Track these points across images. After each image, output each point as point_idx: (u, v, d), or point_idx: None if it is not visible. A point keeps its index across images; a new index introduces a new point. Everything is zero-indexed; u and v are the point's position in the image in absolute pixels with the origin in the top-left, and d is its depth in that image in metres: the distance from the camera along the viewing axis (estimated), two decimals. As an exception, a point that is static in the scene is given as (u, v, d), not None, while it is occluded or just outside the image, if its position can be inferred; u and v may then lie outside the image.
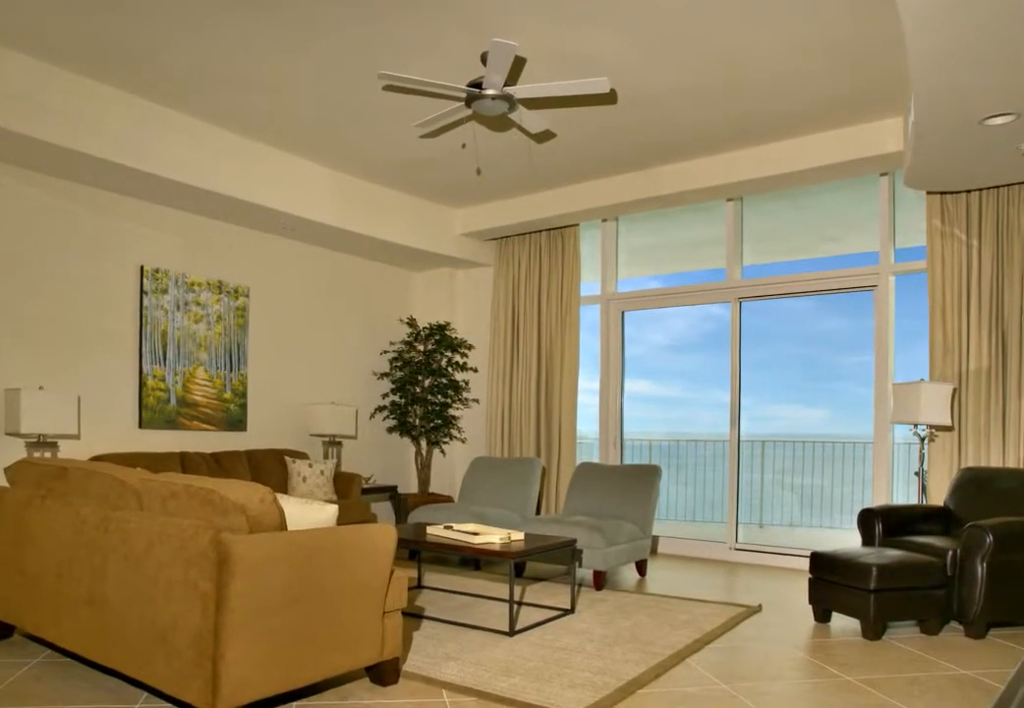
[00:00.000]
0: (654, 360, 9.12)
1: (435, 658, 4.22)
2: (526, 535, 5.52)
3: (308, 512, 3.59)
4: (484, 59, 5.21)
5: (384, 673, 3.76)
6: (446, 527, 5.55)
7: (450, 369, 9.02)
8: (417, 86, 5.13)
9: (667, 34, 4.98)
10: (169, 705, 3.50)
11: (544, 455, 8.49)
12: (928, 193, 6.49)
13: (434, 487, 9.31)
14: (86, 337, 6.43)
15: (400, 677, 3.89)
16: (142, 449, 6.78)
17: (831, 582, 5.03)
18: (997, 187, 6.21)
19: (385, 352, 9.13)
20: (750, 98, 5.89)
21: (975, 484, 5.74)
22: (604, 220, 8.52)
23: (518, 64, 5.41)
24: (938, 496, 6.31)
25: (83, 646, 3.64)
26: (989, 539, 4.79)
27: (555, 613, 5.30)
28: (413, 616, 5.13)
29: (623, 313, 8.57)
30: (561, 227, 8.56)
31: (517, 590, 6.03)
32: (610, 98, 5.93)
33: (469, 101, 5.26)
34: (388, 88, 5.79)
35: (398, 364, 8.89)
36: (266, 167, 6.89)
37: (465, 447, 9.28)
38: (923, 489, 6.23)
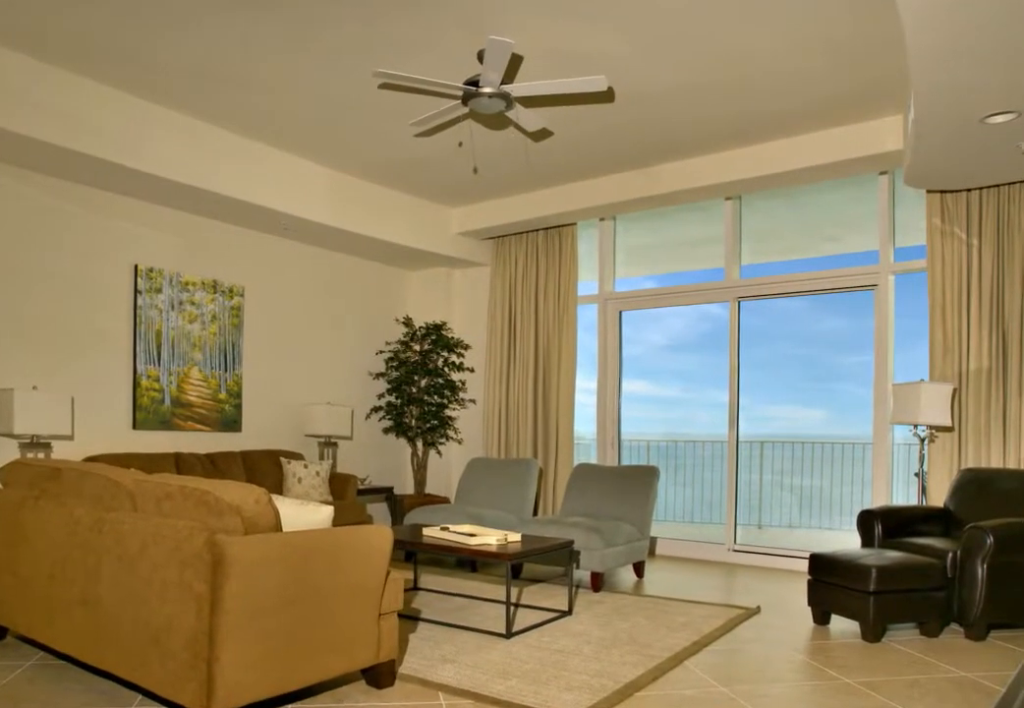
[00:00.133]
0: (652, 360, 9.09)
1: (431, 660, 4.20)
2: (523, 536, 5.50)
3: (303, 513, 3.58)
4: (481, 57, 5.19)
5: (380, 675, 3.74)
6: (442, 528, 5.52)
7: (446, 369, 9.00)
8: (413, 84, 5.12)
9: (665, 32, 4.96)
10: (163, 708, 3.49)
11: (541, 456, 8.46)
12: (928, 192, 6.47)
13: (430, 488, 9.28)
14: (80, 337, 6.41)
15: (396, 679, 3.87)
16: (136, 450, 6.75)
17: (830, 584, 5.01)
18: (997, 186, 6.20)
19: (381, 352, 9.10)
20: (749, 96, 5.87)
21: (975, 485, 5.72)
22: (601, 219, 8.49)
23: (515, 62, 5.39)
24: (938, 497, 6.29)
25: (77, 648, 3.63)
26: (989, 540, 4.77)
27: (552, 615, 5.28)
28: (409, 618, 5.11)
29: (620, 313, 8.55)
30: (558, 226, 8.53)
31: (514, 592, 6.01)
32: (607, 96, 5.91)
33: (466, 99, 5.25)
34: (384, 86, 5.77)
35: (394, 364, 8.87)
36: (262, 166, 6.87)
37: (461, 448, 9.25)
38: (923, 490, 6.21)
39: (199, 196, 6.64)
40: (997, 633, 4.98)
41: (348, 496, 7.55)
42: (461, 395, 9.24)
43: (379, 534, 3.65)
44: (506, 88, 5.13)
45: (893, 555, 4.94)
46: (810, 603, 5.20)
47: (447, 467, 9.25)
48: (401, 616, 5.12)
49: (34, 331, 6.13)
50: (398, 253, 8.65)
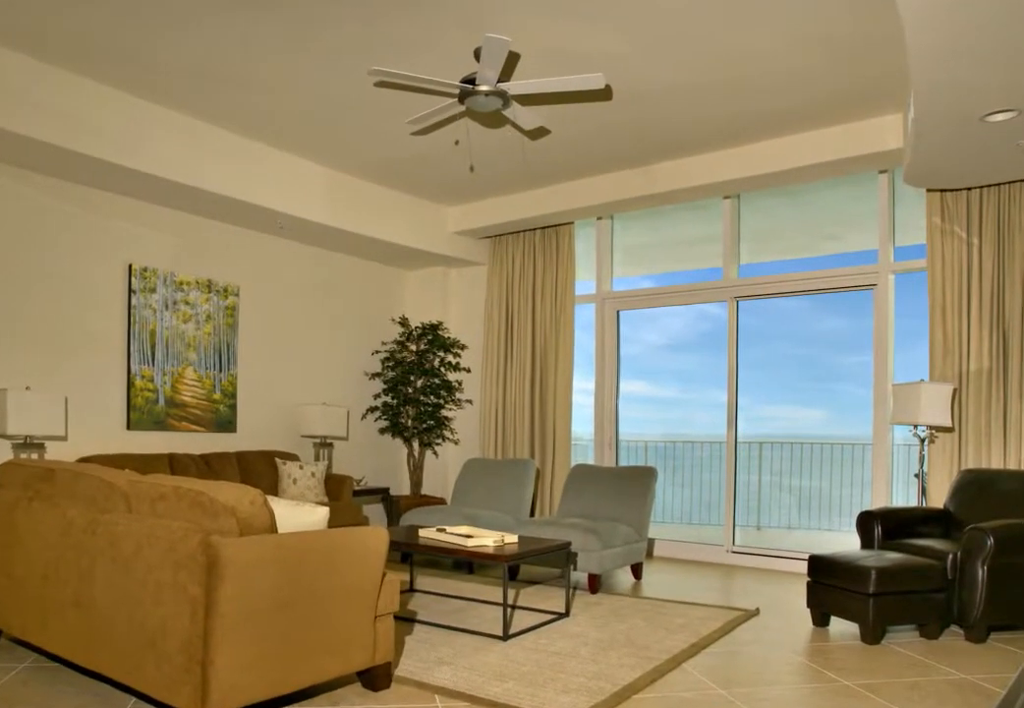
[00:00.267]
0: (650, 360, 9.09)
1: (428, 663, 4.18)
2: (520, 538, 5.48)
3: (299, 514, 3.57)
4: (477, 55, 5.17)
5: (376, 678, 3.73)
6: (439, 530, 5.51)
7: (443, 369, 8.99)
8: (410, 82, 5.10)
9: (663, 30, 4.94)
10: (156, 711, 3.48)
11: (538, 456, 8.44)
12: (928, 191, 6.45)
13: (427, 489, 9.25)
14: (73, 337, 6.38)
15: (392, 682, 3.85)
16: (130, 450, 6.73)
17: (830, 585, 4.99)
18: (998, 184, 6.18)
19: (377, 352, 9.07)
20: (748, 95, 5.85)
21: (976, 486, 5.71)
22: (599, 218, 8.47)
23: (512, 60, 5.37)
24: (938, 498, 6.27)
25: (70, 650, 3.62)
26: (990, 542, 4.76)
27: (549, 617, 5.26)
28: (405, 620, 5.09)
29: (618, 312, 8.52)
30: (555, 225, 8.51)
31: (511, 594, 5.99)
32: (605, 94, 5.89)
33: (462, 97, 5.22)
34: (380, 84, 5.74)
35: (390, 364, 8.85)
36: (258, 165, 6.85)
37: (458, 448, 9.23)
38: (923, 491, 6.20)
39: (194, 195, 6.62)
40: (997, 635, 4.96)
41: (344, 497, 7.53)
42: (458, 395, 9.21)
43: (375, 535, 3.64)
44: (503, 86, 5.11)
45: (893, 557, 4.92)
46: (809, 605, 5.17)
47: (443, 468, 9.23)
48: (397, 618, 5.10)
49: (28, 331, 6.10)
50: (394, 252, 8.63)
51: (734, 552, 7.60)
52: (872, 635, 4.71)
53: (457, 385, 9.07)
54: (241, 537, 3.11)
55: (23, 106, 5.32)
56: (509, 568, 6.10)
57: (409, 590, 6.01)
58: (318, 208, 7.36)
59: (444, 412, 9.15)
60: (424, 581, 6.39)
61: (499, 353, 8.78)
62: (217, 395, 7.36)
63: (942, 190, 6.39)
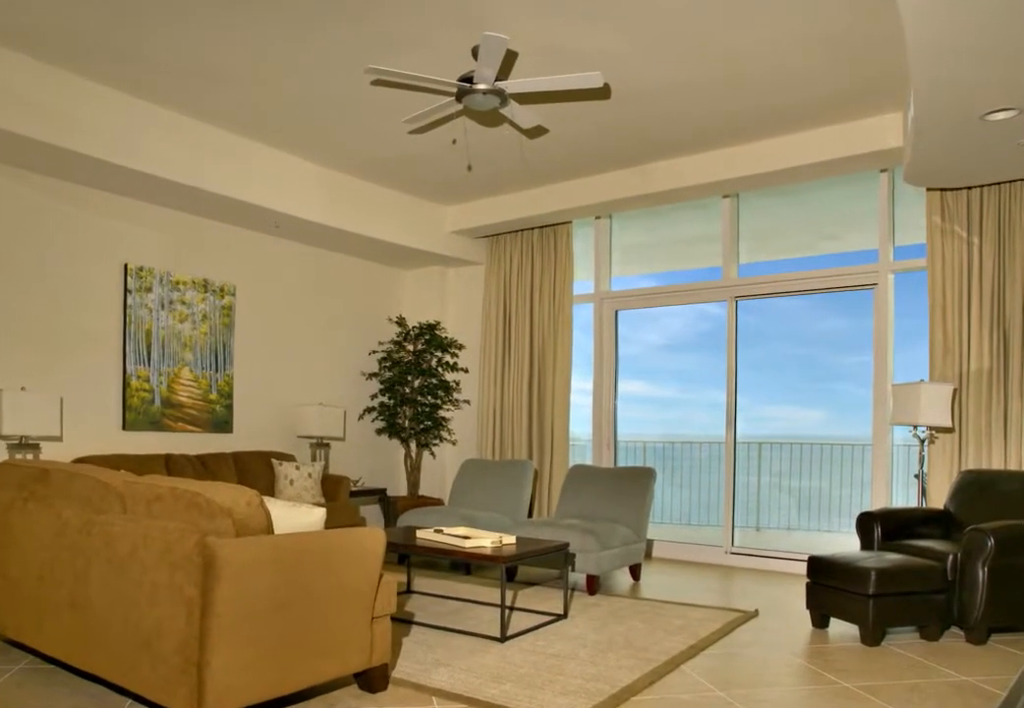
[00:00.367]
0: (648, 360, 9.08)
1: (425, 664, 4.17)
2: (518, 539, 5.46)
3: (295, 515, 3.56)
4: (475, 53, 5.15)
5: (373, 679, 3.72)
6: (436, 531, 5.50)
7: (440, 369, 8.96)
8: (406, 80, 5.11)
9: (661, 28, 4.92)
10: (153, 713, 3.47)
11: (536, 457, 8.42)
12: (928, 190, 6.44)
13: (424, 490, 9.23)
14: (69, 336, 6.36)
15: (389, 684, 3.84)
16: (126, 451, 6.72)
17: (829, 587, 4.98)
18: (998, 183, 6.16)
19: (374, 352, 9.06)
20: (747, 93, 5.84)
21: (976, 487, 5.69)
22: (597, 217, 8.45)
23: (509, 58, 5.36)
24: (938, 499, 6.25)
25: (65, 652, 3.62)
26: (990, 543, 4.74)
27: (547, 618, 5.24)
28: (402, 621, 5.07)
29: (617, 312, 8.50)
30: (554, 224, 8.49)
31: (509, 595, 5.97)
32: (603, 93, 5.87)
33: (460, 96, 5.21)
34: (377, 83, 5.73)
35: (387, 364, 8.83)
36: (254, 164, 6.83)
37: (456, 449, 9.21)
38: (923, 492, 6.18)
39: (190, 194, 6.60)
40: (998, 637, 4.95)
41: (340, 498, 7.51)
42: (455, 395, 9.20)
43: (372, 536, 3.63)
44: (501, 85, 5.09)
45: (893, 558, 4.91)
46: (808, 606, 5.16)
47: (441, 468, 9.21)
48: (394, 619, 5.08)
49: (23, 331, 6.08)
50: (391, 252, 8.61)
51: (733, 553, 7.58)
52: (872, 637, 4.69)
53: (455, 385, 9.05)
54: (237, 538, 3.11)
55: (17, 104, 5.31)
56: (507, 569, 6.07)
57: (406, 591, 5.99)
58: (315, 207, 7.34)
59: (441, 412, 9.13)
60: (421, 582, 6.37)
61: (497, 353, 8.76)
62: (213, 395, 7.33)
63: (942, 189, 6.37)
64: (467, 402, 9.15)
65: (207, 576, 2.99)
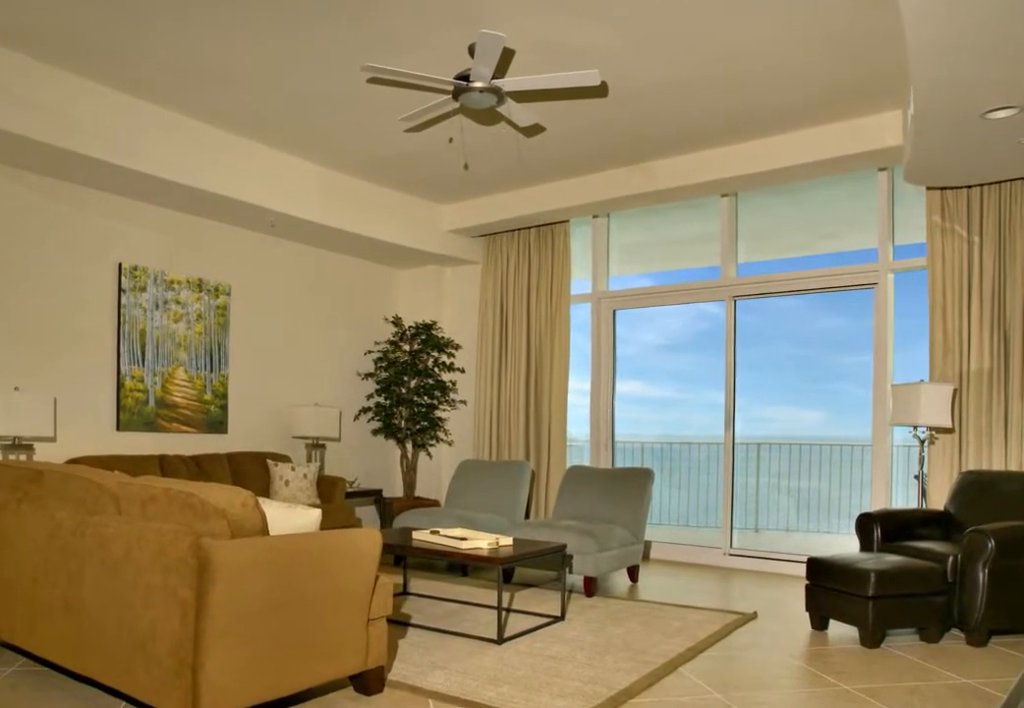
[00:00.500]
0: (646, 360, 9.07)
1: (421, 667, 4.16)
2: (515, 540, 5.45)
3: (291, 516, 3.56)
4: (472, 51, 5.13)
5: (369, 682, 3.71)
6: (432, 532, 5.48)
7: (436, 369, 8.94)
8: (403, 79, 5.10)
9: (659, 25, 4.91)
10: (147, 715, 3.46)
11: (533, 458, 8.39)
12: (928, 188, 6.42)
13: (420, 491, 9.21)
14: (62, 336, 6.34)
15: (385, 686, 3.83)
16: (120, 452, 6.69)
17: (828, 588, 4.97)
18: (999, 182, 6.15)
19: (370, 352, 9.04)
20: (745, 91, 5.82)
21: (976, 488, 5.68)
22: (595, 216, 8.43)
23: (506, 56, 5.34)
24: (938, 500, 6.23)
25: (59, 654, 3.61)
26: (991, 544, 4.73)
27: (544, 620, 5.23)
28: (398, 623, 5.06)
29: (614, 312, 8.48)
30: (551, 223, 8.47)
31: (505, 597, 5.96)
32: (601, 91, 5.86)
33: (456, 94, 5.19)
34: (373, 81, 5.72)
35: (383, 364, 8.81)
36: (249, 162, 6.81)
37: (452, 450, 9.18)
38: (923, 493, 6.17)
39: (185, 193, 6.58)
40: (998, 639, 4.94)
41: (336, 499, 7.48)
42: (451, 396, 9.17)
43: (368, 538, 3.62)
44: (497, 83, 5.08)
45: (892, 559, 4.90)
46: (808, 608, 5.15)
47: (437, 469, 9.18)
48: (390, 621, 5.06)
49: (16, 331, 6.06)
50: (387, 251, 8.58)
51: (732, 555, 7.56)
52: (871, 639, 4.68)
53: (451, 385, 9.02)
54: (232, 539, 3.10)
55: (10, 103, 5.29)
56: (504, 571, 6.06)
57: (402, 593, 5.98)
58: (310, 206, 7.31)
59: (438, 413, 9.10)
60: (417, 584, 6.36)
61: (494, 353, 8.73)
62: (208, 396, 7.30)
63: (942, 188, 6.36)
64: (463, 402, 9.12)
65: (201, 578, 2.98)
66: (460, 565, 7.05)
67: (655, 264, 8.58)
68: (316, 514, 3.65)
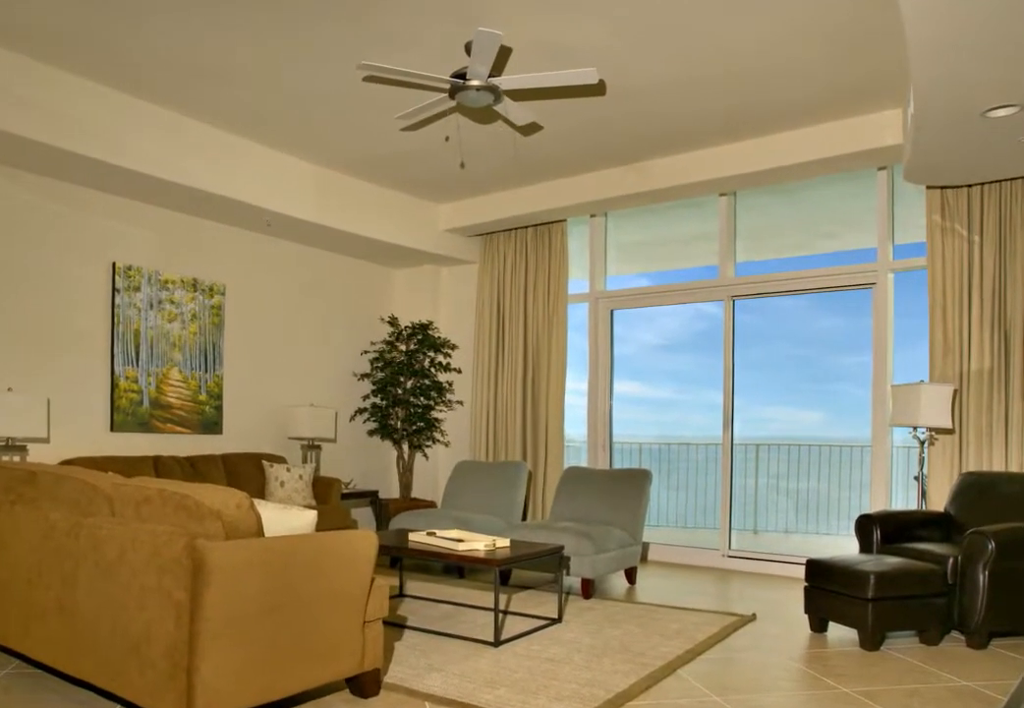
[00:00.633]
0: (644, 360, 9.05)
1: (417, 669, 4.15)
2: (512, 542, 5.43)
3: (286, 518, 3.55)
4: (468, 49, 5.13)
5: (365, 685, 3.70)
6: (429, 533, 5.47)
7: (433, 370, 8.91)
8: (399, 77, 5.07)
9: (657, 23, 4.88)
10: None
11: (530, 459, 8.37)
12: (928, 187, 6.41)
13: (416, 492, 9.19)
14: (56, 337, 6.31)
15: (381, 689, 3.82)
16: (114, 453, 6.66)
17: (828, 590, 4.96)
18: (999, 181, 6.13)
19: (366, 352, 9.01)
20: (744, 89, 5.80)
21: (976, 489, 5.66)
22: (592, 215, 8.41)
23: (503, 54, 5.33)
24: (938, 501, 6.22)
25: (53, 657, 3.60)
26: (991, 546, 4.72)
27: (542, 623, 5.22)
28: (395, 626, 5.04)
29: (612, 312, 8.46)
30: (548, 223, 8.44)
31: (502, 599, 5.94)
32: (598, 89, 5.83)
33: (453, 92, 5.18)
34: (369, 79, 5.70)
35: (379, 365, 8.78)
36: (243, 161, 6.79)
37: (448, 450, 9.15)
38: (923, 494, 6.16)
39: (179, 192, 6.56)
40: (999, 641, 4.93)
41: (332, 500, 7.47)
42: (448, 396, 9.15)
43: (364, 539, 3.61)
44: (494, 81, 5.06)
45: (892, 561, 4.89)
46: (807, 610, 5.14)
47: (434, 470, 9.16)
48: (386, 624, 5.05)
49: (9, 331, 6.03)
50: (383, 250, 8.56)
51: (730, 556, 7.54)
52: (871, 641, 4.67)
53: (447, 386, 9.00)
54: (227, 541, 3.09)
55: (6, 102, 5.27)
56: (501, 573, 6.04)
57: (398, 595, 5.96)
58: (306, 205, 7.28)
59: (434, 413, 9.08)
60: (414, 586, 6.35)
61: (490, 353, 8.71)
62: (203, 396, 7.27)
63: (942, 187, 6.34)
64: (460, 403, 9.10)
65: (196, 579, 2.98)
66: (456, 567, 7.00)
67: (653, 264, 8.57)
68: (312, 515, 3.63)
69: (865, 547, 5.56)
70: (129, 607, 3.18)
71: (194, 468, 6.78)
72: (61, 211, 6.34)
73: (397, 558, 6.89)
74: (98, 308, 6.57)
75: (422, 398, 8.79)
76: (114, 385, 6.61)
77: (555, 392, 8.28)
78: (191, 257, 7.29)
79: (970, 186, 6.24)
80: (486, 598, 5.93)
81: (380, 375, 8.79)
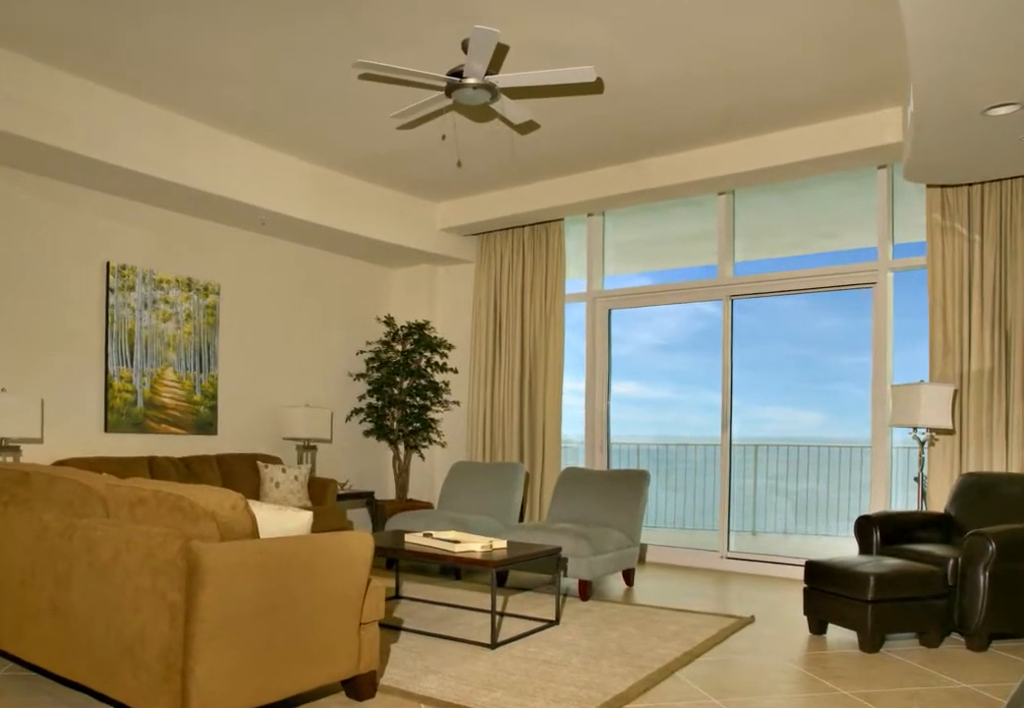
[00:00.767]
0: (642, 360, 9.03)
1: (414, 671, 4.14)
2: (509, 543, 5.43)
3: (281, 519, 3.56)
4: (465, 47, 5.11)
5: (360, 687, 3.70)
6: (425, 535, 5.45)
7: (429, 370, 8.90)
8: (395, 75, 5.06)
9: (655, 21, 4.87)
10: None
11: (527, 460, 8.35)
12: (928, 186, 6.40)
13: (413, 493, 9.17)
14: (50, 337, 6.29)
15: (377, 691, 3.82)
16: (108, 453, 6.63)
17: (827, 592, 4.95)
18: (1000, 180, 6.12)
19: (361, 352, 8.99)
20: (743, 88, 5.78)
21: (977, 490, 5.65)
22: (590, 214, 8.39)
23: (500, 52, 5.31)
24: (938, 502, 6.21)
25: (47, 659, 3.60)
26: (992, 547, 4.71)
27: (539, 624, 5.21)
28: (391, 628, 5.04)
29: (610, 311, 8.45)
30: (545, 222, 8.43)
31: (499, 600, 5.93)
32: (596, 87, 5.82)
33: (449, 90, 5.16)
34: (365, 77, 5.69)
35: (375, 365, 8.76)
36: (239, 160, 6.77)
37: (445, 451, 9.13)
38: (923, 495, 6.15)
39: (174, 191, 6.53)
40: (999, 643, 4.92)
41: (327, 501, 7.44)
42: (444, 397, 9.13)
43: (359, 541, 3.61)
44: (491, 79, 5.06)
45: (892, 562, 4.89)
46: (806, 612, 5.14)
47: (430, 471, 9.14)
48: (382, 626, 5.04)
49: (2, 331, 6.01)
50: (380, 250, 8.53)
51: (729, 558, 7.54)
52: (870, 643, 4.66)
53: (444, 386, 8.97)
54: (222, 542, 3.09)
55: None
56: (497, 574, 6.04)
57: (395, 597, 5.95)
58: (301, 204, 7.26)
59: (430, 414, 9.06)
60: (410, 587, 6.34)
61: (487, 353, 8.69)
62: (197, 396, 7.24)
63: (942, 186, 6.33)
64: (456, 403, 9.07)
65: (191, 581, 2.97)
66: (453, 568, 7.00)
67: (651, 263, 8.56)
68: (307, 516, 3.63)
69: (865, 548, 5.55)
70: (123, 609, 3.18)
71: (189, 469, 6.76)
72: (55, 210, 6.31)
73: (393, 560, 6.89)
74: (92, 308, 6.54)
75: (418, 398, 8.77)
76: (108, 385, 6.57)
77: (552, 392, 8.26)
78: (186, 256, 7.26)
79: (970, 185, 6.23)
80: (483, 600, 5.92)
81: (376, 375, 8.76)
